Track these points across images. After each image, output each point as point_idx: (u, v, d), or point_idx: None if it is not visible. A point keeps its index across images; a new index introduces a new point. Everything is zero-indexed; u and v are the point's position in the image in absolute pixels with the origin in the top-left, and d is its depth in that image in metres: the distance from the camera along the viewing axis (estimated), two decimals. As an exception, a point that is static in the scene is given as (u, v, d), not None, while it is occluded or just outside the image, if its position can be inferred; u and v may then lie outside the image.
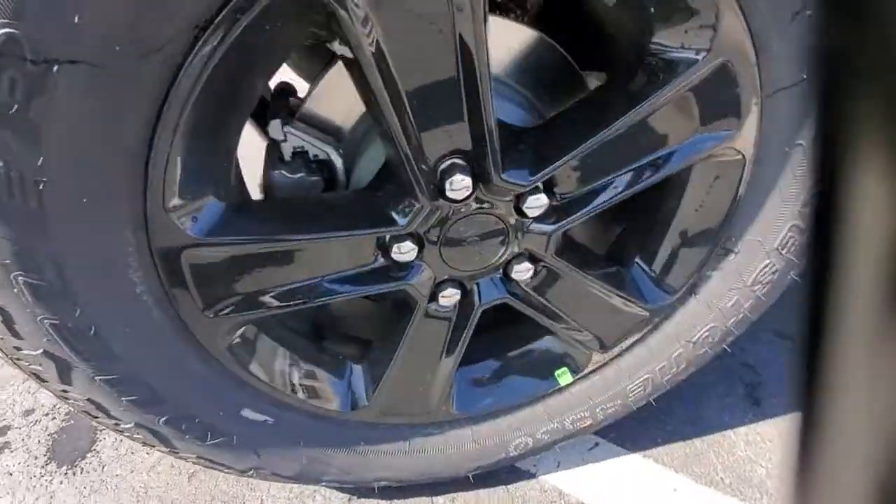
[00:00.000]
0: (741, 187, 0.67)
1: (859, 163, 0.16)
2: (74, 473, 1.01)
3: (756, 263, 0.76)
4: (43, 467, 1.02)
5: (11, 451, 1.04)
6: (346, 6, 0.44)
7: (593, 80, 0.78)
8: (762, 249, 0.74)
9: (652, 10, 0.53)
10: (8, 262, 0.48)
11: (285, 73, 0.86)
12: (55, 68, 0.39)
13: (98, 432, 1.09)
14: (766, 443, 1.17)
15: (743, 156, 0.64)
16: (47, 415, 1.11)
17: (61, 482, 1.00)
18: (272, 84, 0.81)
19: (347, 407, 0.79)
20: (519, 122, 0.70)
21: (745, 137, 0.62)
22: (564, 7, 0.74)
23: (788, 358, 1.37)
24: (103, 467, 1.02)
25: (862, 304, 0.17)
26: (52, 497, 0.98)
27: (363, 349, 0.83)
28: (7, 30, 0.36)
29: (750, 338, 1.36)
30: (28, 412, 1.11)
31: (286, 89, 0.76)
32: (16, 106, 0.40)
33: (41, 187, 0.44)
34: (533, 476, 1.06)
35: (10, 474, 1.01)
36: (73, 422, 1.10)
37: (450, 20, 0.47)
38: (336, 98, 0.67)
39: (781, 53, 0.55)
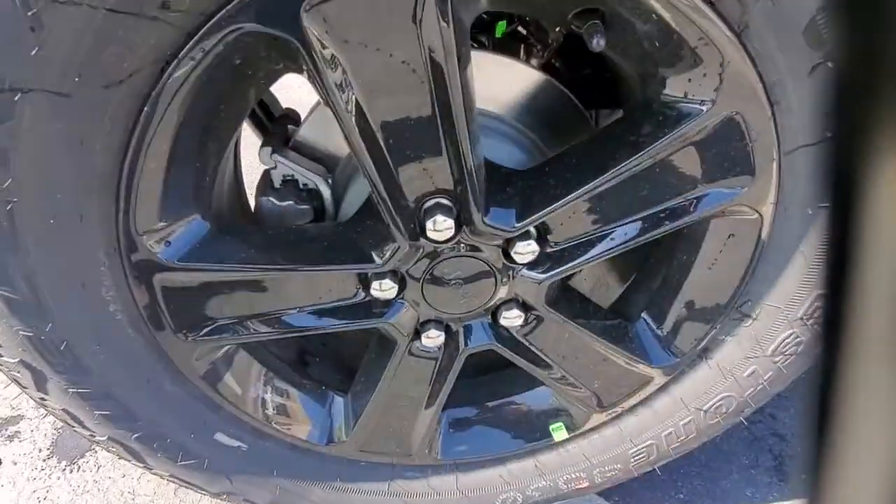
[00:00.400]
0: (758, 249, 0.61)
1: (877, 165, 0.16)
2: (72, 471, 1.04)
3: (777, 332, 0.68)
4: (45, 461, 1.05)
5: (20, 441, 1.08)
6: (309, 47, 0.42)
7: (604, 120, 0.74)
8: (784, 318, 0.66)
9: (652, 56, 0.49)
10: (-16, 274, 0.49)
11: (296, 102, 0.87)
12: (17, 96, 0.39)
13: (102, 431, 1.12)
14: (791, 527, 1.05)
15: (760, 215, 0.58)
16: (60, 408, 1.16)
17: (59, 478, 1.03)
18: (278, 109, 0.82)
19: (324, 439, 0.77)
20: (520, 163, 0.67)
21: (762, 195, 0.56)
22: (577, 47, 0.70)
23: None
24: (98, 468, 1.04)
25: (882, 312, 0.17)
26: (48, 490, 1.01)
27: (348, 381, 0.81)
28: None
29: (783, 405, 1.23)
30: (43, 404, 1.15)
31: (288, 115, 0.76)
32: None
33: (9, 207, 0.45)
34: (523, 532, 0.99)
35: (15, 463, 1.05)
36: (81, 418, 1.14)
37: (421, 60, 0.44)
38: (327, 128, 0.66)
39: (802, 108, 0.49)
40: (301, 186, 0.69)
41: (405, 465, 0.83)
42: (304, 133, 0.69)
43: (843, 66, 0.17)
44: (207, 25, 0.42)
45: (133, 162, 0.47)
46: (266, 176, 0.69)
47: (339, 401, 0.80)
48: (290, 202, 0.68)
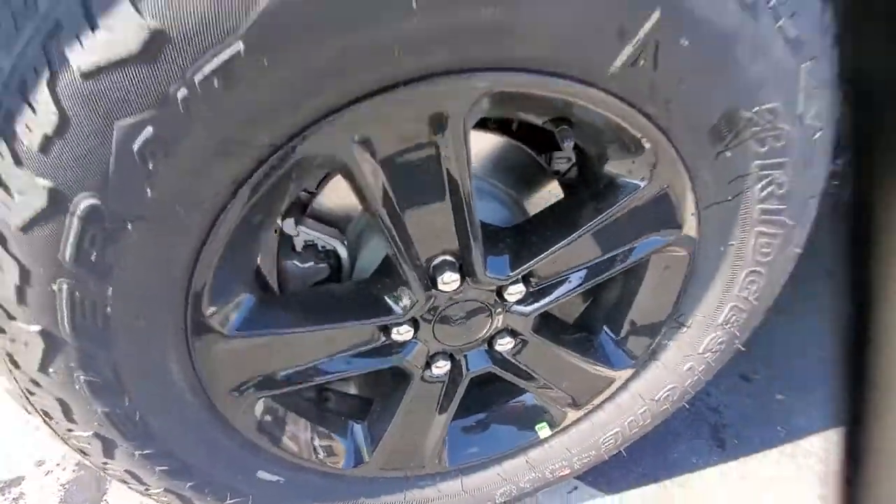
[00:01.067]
0: (687, 277, 0.80)
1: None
2: (87, 525, 1.07)
3: (705, 336, 0.88)
4: (57, 519, 1.08)
5: (27, 503, 1.10)
6: (354, 161, 0.54)
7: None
8: (710, 325, 0.86)
9: (607, 147, 0.66)
10: (73, 365, 0.57)
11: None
12: (129, 224, 0.49)
13: (107, 483, 1.15)
14: (728, 482, 1.28)
15: (686, 252, 0.77)
16: (58, 465, 1.17)
17: (75, 534, 1.06)
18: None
19: (351, 464, 0.89)
20: (503, 218, 0.82)
21: (687, 240, 0.74)
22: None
23: (749, 400, 1.49)
24: (114, 518, 1.08)
25: None
26: (65, 548, 1.04)
27: (363, 408, 0.93)
28: (92, 201, 0.47)
29: (714, 382, 1.47)
30: (40, 462, 1.17)
31: (299, 186, 0.87)
32: (94, 254, 0.50)
33: (107, 310, 0.54)
34: (517, 519, 1.15)
35: (26, 526, 1.06)
36: (82, 472, 1.16)
37: (441, 160, 0.58)
38: (342, 197, 0.78)
39: (712, 180, 0.67)
40: (320, 248, 0.80)
41: (418, 475, 0.96)
42: (321, 201, 0.80)
43: (856, 86, 0.17)
44: (278, 153, 0.53)
45: (205, 262, 0.57)
46: (286, 242, 0.80)
47: (357, 428, 0.91)
48: (311, 263, 0.79)
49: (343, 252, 0.80)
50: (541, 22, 0.48)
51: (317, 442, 0.85)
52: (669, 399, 0.98)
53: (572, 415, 0.99)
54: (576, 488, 1.22)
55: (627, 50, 0.51)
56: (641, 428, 1.03)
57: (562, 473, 1.06)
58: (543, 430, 1.01)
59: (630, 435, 1.03)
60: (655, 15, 0.49)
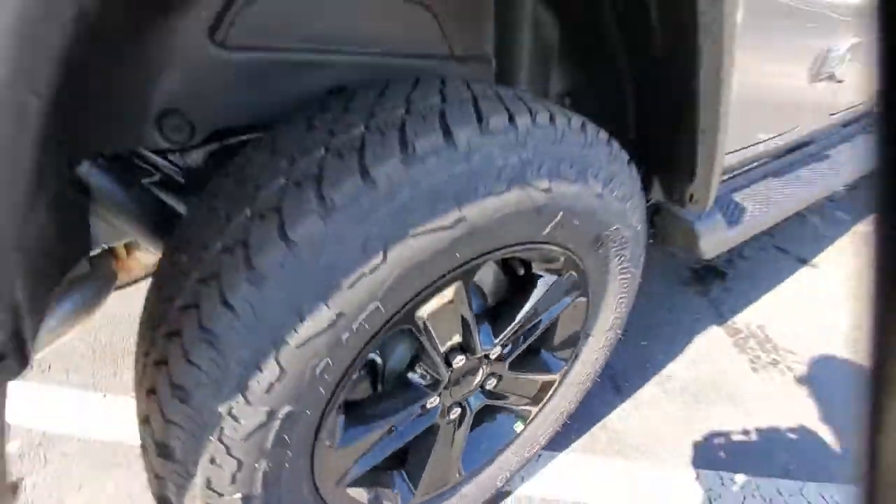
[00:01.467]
0: (588, 311, 1.30)
1: None
2: None
3: (602, 338, 1.40)
4: None
5: None
6: (415, 322, 0.90)
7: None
8: (603, 331, 1.39)
9: (539, 261, 1.10)
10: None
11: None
12: (306, 412, 0.79)
13: None
14: (629, 417, 1.89)
15: (586, 299, 1.26)
16: None
17: None
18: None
19: (408, 500, 1.23)
20: (479, 306, 1.22)
21: (585, 293, 1.24)
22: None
23: (625, 351, 2.13)
24: None
25: None
26: None
27: (399, 456, 1.28)
28: (290, 408, 0.77)
29: (605, 351, 2.09)
30: None
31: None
32: (286, 436, 0.79)
33: (286, 466, 0.83)
34: (509, 493, 1.60)
35: None
36: None
37: (457, 298, 0.96)
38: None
39: (593, 265, 1.16)
40: (359, 362, 1.12)
41: (446, 490, 1.34)
42: None
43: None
44: (374, 337, 0.86)
45: (329, 411, 0.88)
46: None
47: (403, 473, 1.26)
48: (356, 374, 1.11)
49: (378, 359, 1.13)
50: (512, 230, 0.89)
51: (379, 499, 1.19)
52: (589, 380, 1.50)
53: (534, 410, 1.45)
54: (540, 455, 1.71)
55: (547, 228, 0.95)
56: (576, 403, 1.54)
57: (534, 450, 1.53)
58: (518, 426, 1.47)
59: (570, 409, 1.54)
60: (559, 215, 0.93)
